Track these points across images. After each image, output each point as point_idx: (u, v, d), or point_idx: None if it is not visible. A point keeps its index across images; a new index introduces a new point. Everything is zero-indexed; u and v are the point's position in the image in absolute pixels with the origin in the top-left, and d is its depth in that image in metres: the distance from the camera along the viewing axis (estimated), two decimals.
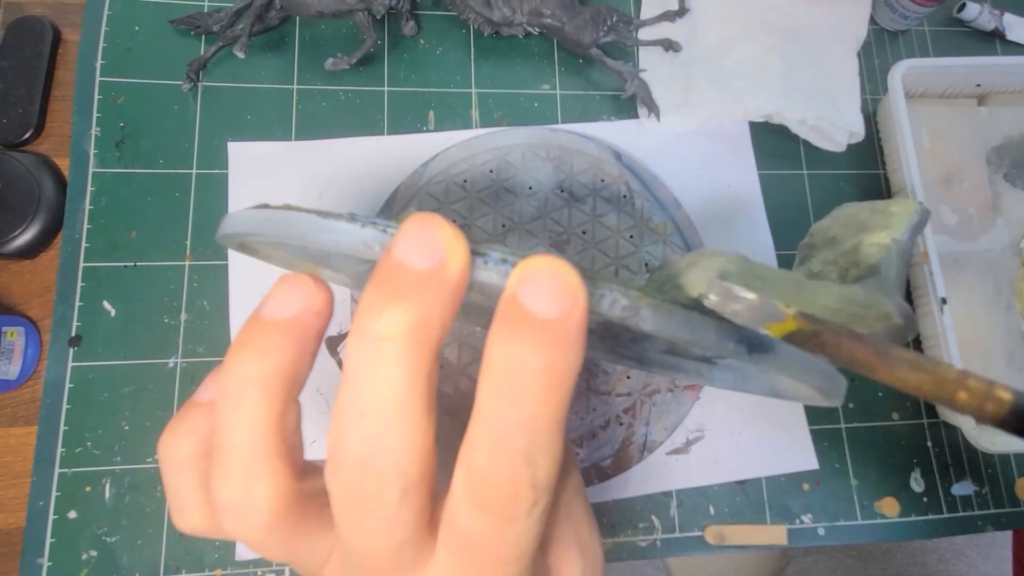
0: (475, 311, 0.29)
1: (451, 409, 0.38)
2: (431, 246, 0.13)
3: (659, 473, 0.40)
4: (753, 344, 0.14)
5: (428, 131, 0.44)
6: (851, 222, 0.23)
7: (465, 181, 0.42)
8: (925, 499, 0.42)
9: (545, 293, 0.13)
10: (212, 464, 0.14)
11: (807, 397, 0.21)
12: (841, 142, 0.45)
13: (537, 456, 0.13)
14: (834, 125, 0.44)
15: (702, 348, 0.14)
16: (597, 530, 0.19)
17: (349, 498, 0.13)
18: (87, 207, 0.40)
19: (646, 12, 0.48)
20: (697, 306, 0.15)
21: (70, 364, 0.38)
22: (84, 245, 0.40)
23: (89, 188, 0.40)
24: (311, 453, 0.37)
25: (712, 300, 0.15)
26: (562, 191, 0.43)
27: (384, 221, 0.14)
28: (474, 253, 0.13)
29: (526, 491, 0.13)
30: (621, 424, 0.39)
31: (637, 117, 0.46)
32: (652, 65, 0.46)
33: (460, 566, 0.14)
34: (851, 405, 0.43)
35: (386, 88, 0.45)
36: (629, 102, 0.46)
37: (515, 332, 0.12)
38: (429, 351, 0.13)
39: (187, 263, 0.40)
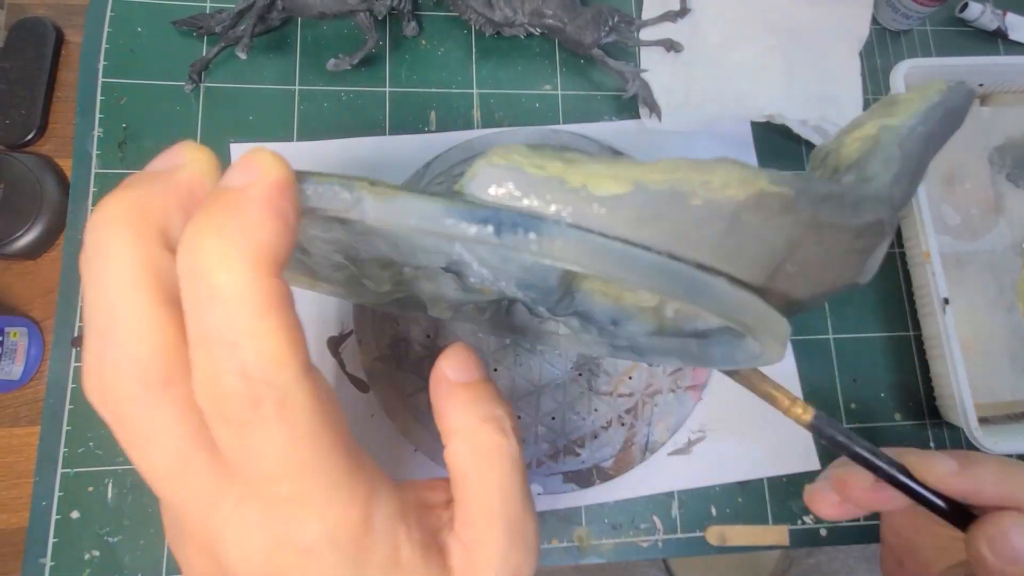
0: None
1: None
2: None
3: (661, 474, 0.40)
4: (503, 223, 0.13)
5: (430, 131, 0.44)
6: (848, 128, 0.19)
7: None
8: None
9: (236, 170, 0.12)
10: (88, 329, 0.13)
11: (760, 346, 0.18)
12: None
13: (238, 337, 0.11)
14: (836, 125, 0.44)
15: (438, 235, 0.13)
16: (534, 512, 0.18)
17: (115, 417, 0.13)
18: (89, 208, 0.40)
19: (647, 12, 0.48)
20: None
21: (73, 364, 0.38)
22: None
23: (92, 189, 0.40)
24: None
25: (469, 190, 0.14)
26: None
27: None
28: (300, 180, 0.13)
29: (237, 383, 0.11)
30: (623, 425, 0.39)
31: (639, 117, 0.46)
32: (653, 65, 0.46)
33: (245, 489, 0.13)
34: (853, 406, 0.43)
35: (388, 89, 0.45)
36: (630, 102, 0.46)
37: (199, 208, 0.12)
38: (141, 233, 0.12)
39: None
